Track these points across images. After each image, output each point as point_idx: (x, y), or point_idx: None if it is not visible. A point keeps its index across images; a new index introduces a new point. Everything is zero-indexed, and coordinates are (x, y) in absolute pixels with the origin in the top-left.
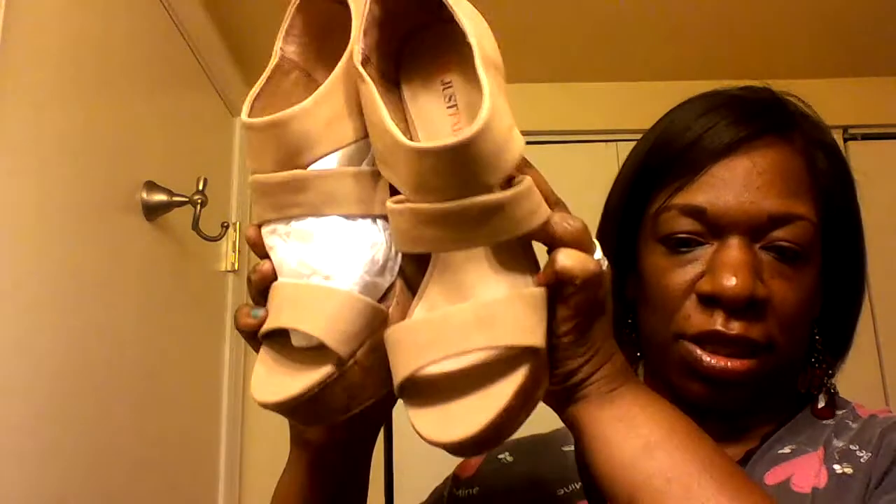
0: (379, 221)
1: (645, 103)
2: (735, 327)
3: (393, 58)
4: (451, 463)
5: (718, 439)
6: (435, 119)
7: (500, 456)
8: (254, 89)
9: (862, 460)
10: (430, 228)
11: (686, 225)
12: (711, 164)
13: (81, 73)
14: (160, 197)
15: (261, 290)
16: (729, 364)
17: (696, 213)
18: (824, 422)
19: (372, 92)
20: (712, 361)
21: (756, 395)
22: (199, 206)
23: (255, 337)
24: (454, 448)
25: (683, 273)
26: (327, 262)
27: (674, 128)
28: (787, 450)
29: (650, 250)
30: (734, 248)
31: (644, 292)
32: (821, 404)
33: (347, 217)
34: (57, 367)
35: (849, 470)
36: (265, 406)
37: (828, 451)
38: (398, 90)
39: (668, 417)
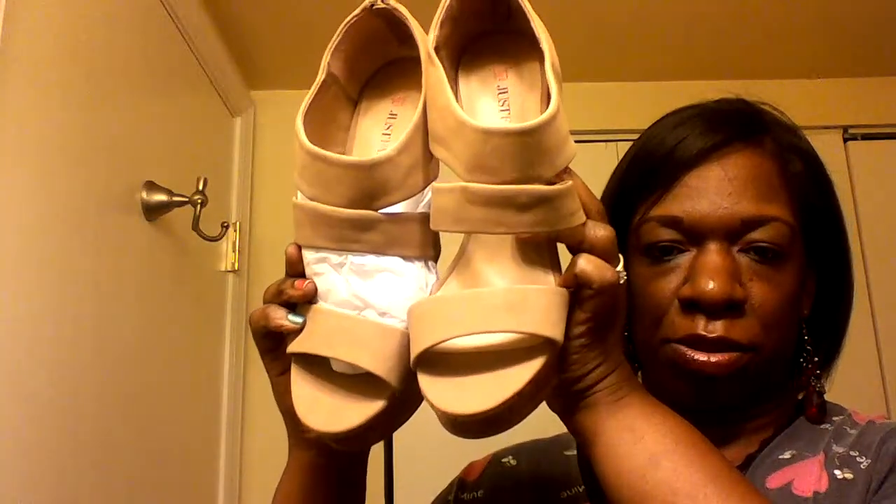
0: (430, 263)
1: (645, 103)
2: (716, 329)
3: (457, 55)
4: (451, 463)
5: (717, 443)
6: (486, 119)
7: (504, 459)
8: (304, 104)
9: (862, 466)
10: (476, 209)
11: (665, 235)
12: (685, 173)
13: (82, 74)
14: (160, 197)
15: (290, 302)
16: (712, 359)
17: (673, 222)
18: (822, 427)
19: (441, 75)
20: (697, 357)
21: (746, 394)
22: (199, 206)
23: (273, 337)
24: (463, 420)
25: (667, 281)
26: (383, 299)
27: (650, 142)
28: (787, 455)
29: (636, 261)
30: (712, 254)
31: (632, 302)
32: (809, 406)
33: (405, 258)
34: (56, 366)
35: (849, 475)
36: (319, 435)
37: (828, 456)
38: (455, 86)
39: (674, 428)
